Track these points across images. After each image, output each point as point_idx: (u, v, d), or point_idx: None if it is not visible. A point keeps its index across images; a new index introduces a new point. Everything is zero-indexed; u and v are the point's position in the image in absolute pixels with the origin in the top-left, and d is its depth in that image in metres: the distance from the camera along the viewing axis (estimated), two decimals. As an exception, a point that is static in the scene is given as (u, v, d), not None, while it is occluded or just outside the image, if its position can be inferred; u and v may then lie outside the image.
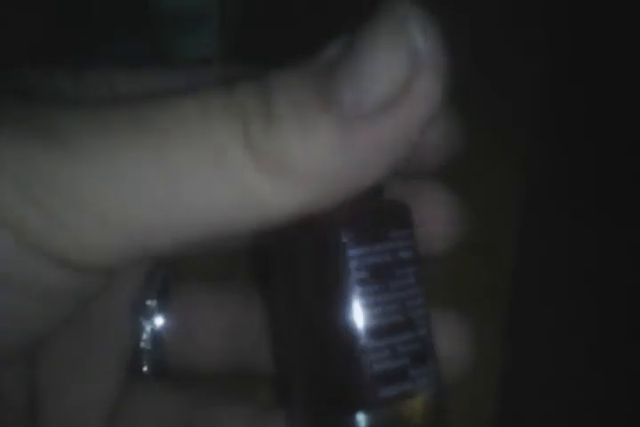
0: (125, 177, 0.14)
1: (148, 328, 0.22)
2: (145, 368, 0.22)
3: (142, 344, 0.22)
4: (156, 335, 0.22)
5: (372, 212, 0.18)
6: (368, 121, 0.14)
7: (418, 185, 0.20)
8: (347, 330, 0.17)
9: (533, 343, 0.36)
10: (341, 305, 0.17)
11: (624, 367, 0.37)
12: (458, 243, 0.21)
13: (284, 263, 0.18)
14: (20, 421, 0.19)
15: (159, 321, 0.22)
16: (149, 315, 0.22)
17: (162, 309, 0.22)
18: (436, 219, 0.20)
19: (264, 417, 0.21)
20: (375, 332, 0.17)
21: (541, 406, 0.36)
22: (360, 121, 0.14)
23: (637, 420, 0.36)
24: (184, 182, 0.14)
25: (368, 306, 0.17)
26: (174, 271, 0.23)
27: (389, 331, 0.18)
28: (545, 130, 0.36)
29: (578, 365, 0.37)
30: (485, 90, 0.34)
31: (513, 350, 0.30)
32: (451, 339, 0.20)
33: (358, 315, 0.17)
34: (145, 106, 0.15)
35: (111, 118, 0.14)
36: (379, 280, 0.18)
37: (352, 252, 0.17)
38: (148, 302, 0.22)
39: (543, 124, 0.36)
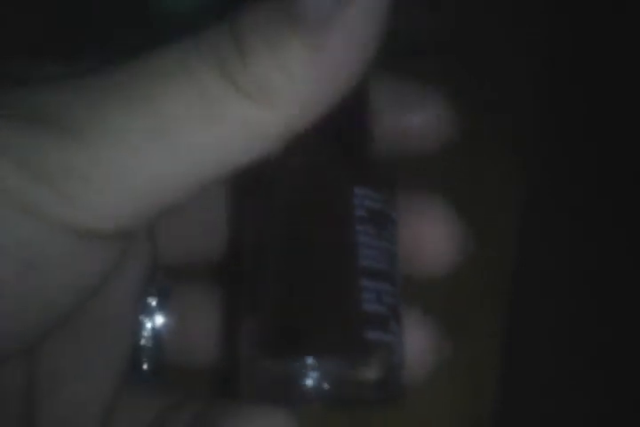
0: (127, 144, 0.15)
1: (149, 326, 0.22)
2: (145, 366, 0.22)
3: (142, 342, 0.22)
4: (156, 334, 0.22)
5: (377, 165, 0.19)
6: (332, 28, 0.15)
7: (418, 203, 0.21)
8: (341, 265, 0.17)
9: (533, 343, 0.36)
10: (339, 240, 0.18)
11: (624, 367, 0.37)
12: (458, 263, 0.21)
13: (269, 198, 0.18)
14: (16, 417, 0.19)
15: (159, 320, 0.22)
16: (150, 313, 0.22)
17: (162, 307, 0.22)
18: (436, 240, 0.20)
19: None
20: (367, 272, 0.17)
21: (541, 406, 0.36)
22: (325, 27, 0.15)
23: (638, 420, 0.36)
24: (182, 134, 0.15)
25: (364, 245, 0.18)
26: (175, 271, 0.23)
27: (378, 276, 0.18)
28: (545, 130, 0.36)
29: (578, 365, 0.37)
30: (485, 90, 0.34)
31: (513, 350, 0.30)
32: (414, 340, 0.20)
33: (355, 252, 0.17)
34: (130, 73, 0.15)
35: (102, 91, 0.15)
36: (374, 225, 0.18)
37: (357, 190, 0.18)
38: (149, 301, 0.22)
39: (543, 124, 0.36)
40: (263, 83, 0.15)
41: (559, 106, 0.38)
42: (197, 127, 0.15)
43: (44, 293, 0.16)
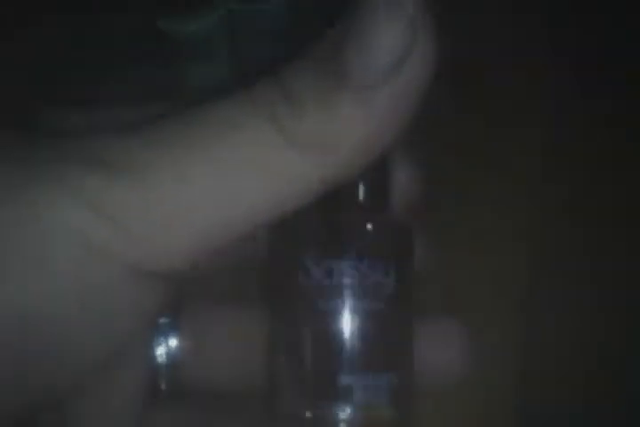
0: (186, 188, 0.16)
1: (163, 345, 0.22)
2: (163, 386, 0.21)
3: (158, 360, 0.21)
4: (171, 353, 0.22)
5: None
6: (381, 87, 0.16)
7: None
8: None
9: (536, 344, 0.36)
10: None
11: (624, 367, 0.37)
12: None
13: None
14: None
15: (173, 339, 0.22)
16: (163, 331, 0.22)
17: (175, 327, 0.22)
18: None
19: None
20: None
21: (543, 406, 0.36)
22: (374, 88, 0.16)
23: (638, 420, 0.36)
24: (237, 181, 0.16)
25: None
26: (188, 290, 0.22)
27: None
28: (545, 129, 0.36)
29: (578, 365, 0.37)
30: (485, 90, 0.34)
31: (515, 350, 0.30)
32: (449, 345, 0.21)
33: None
34: (187, 122, 0.16)
35: (164, 139, 0.16)
36: None
37: None
38: (162, 321, 0.22)
39: (543, 125, 0.36)
40: (316, 135, 0.16)
41: (559, 105, 0.38)
42: (252, 175, 0.16)
43: (102, 334, 0.16)
